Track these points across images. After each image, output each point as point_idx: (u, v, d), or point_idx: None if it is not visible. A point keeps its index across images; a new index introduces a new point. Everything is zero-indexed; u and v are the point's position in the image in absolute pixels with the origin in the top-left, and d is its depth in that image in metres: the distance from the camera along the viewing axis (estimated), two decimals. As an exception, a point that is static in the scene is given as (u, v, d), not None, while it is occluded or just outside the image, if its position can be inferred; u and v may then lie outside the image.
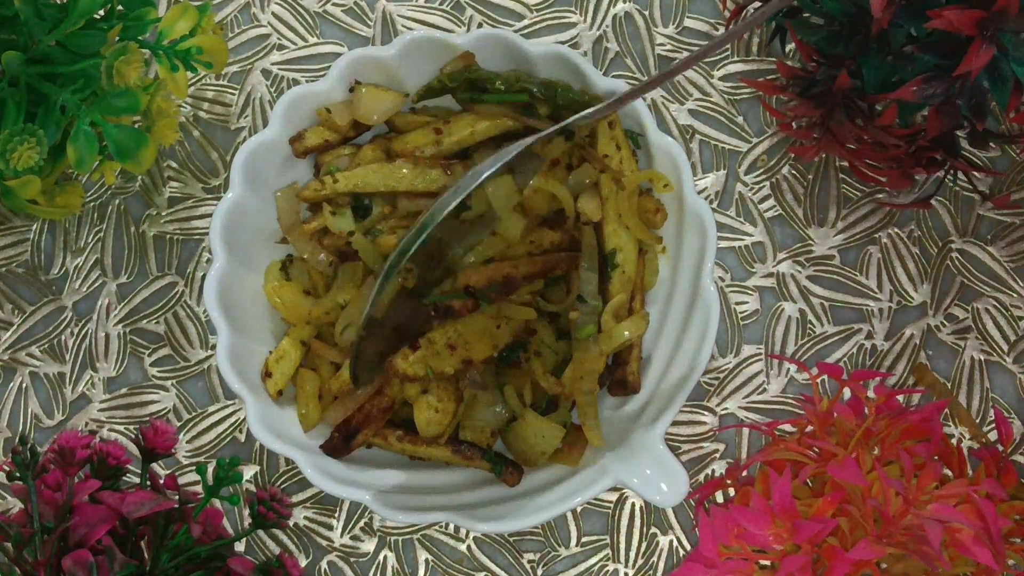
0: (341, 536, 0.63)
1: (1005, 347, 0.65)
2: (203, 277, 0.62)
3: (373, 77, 0.60)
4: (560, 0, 0.69)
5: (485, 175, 0.55)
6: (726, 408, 0.65)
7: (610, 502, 0.64)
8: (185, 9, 0.58)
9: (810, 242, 0.66)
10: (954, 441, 0.64)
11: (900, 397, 0.64)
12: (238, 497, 0.53)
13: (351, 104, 0.60)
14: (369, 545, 0.63)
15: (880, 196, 0.67)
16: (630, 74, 0.68)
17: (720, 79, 0.68)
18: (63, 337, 0.66)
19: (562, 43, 0.67)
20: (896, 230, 0.66)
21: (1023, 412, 0.65)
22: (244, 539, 0.64)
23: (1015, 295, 0.66)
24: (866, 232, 0.66)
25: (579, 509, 0.63)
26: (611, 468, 0.56)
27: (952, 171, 0.61)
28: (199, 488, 0.53)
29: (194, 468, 0.64)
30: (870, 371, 0.64)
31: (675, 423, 0.64)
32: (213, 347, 0.65)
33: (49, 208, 0.60)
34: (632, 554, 0.63)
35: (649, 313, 0.60)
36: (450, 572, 0.63)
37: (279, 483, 0.64)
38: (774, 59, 0.68)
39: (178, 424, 0.65)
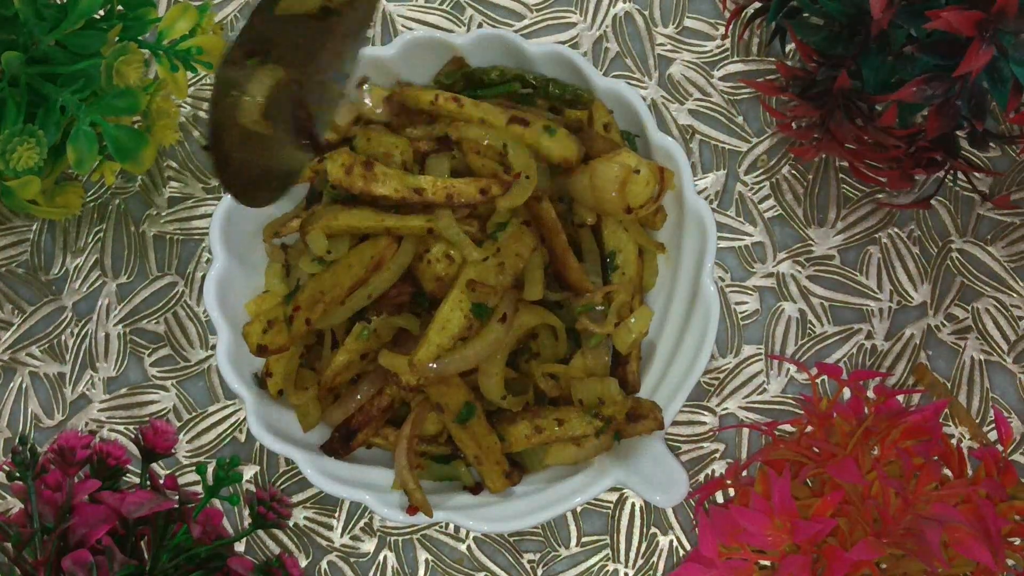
0: (341, 536, 0.63)
1: (1005, 347, 0.65)
2: (203, 277, 0.62)
3: (373, 77, 0.60)
4: (560, 0, 0.69)
5: None
6: (726, 408, 0.65)
7: (610, 502, 0.64)
8: (185, 9, 0.58)
9: (810, 242, 0.66)
10: (954, 441, 0.64)
11: (900, 397, 0.64)
12: (238, 497, 0.53)
13: (355, 102, 0.60)
14: (369, 545, 0.63)
15: (880, 196, 0.67)
16: (630, 74, 0.68)
17: (720, 79, 0.68)
18: (63, 337, 0.66)
19: (562, 43, 0.67)
20: (896, 230, 0.66)
21: (1023, 412, 0.65)
22: (244, 539, 0.64)
23: (1015, 295, 0.66)
24: (866, 232, 0.66)
25: (579, 509, 0.63)
26: (611, 468, 0.57)
27: (952, 171, 0.61)
28: (199, 488, 0.52)
29: (194, 468, 0.64)
30: (870, 371, 0.64)
31: (675, 423, 0.64)
32: (213, 347, 0.65)
33: (49, 208, 0.60)
34: (632, 554, 0.63)
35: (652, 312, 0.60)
36: (450, 572, 0.63)
37: (279, 483, 0.64)
38: (774, 59, 0.68)
39: (178, 424, 0.65)
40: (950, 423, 0.64)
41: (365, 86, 0.60)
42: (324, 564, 0.63)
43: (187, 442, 0.64)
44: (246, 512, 0.63)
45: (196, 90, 0.68)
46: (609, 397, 0.57)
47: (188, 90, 0.61)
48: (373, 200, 0.56)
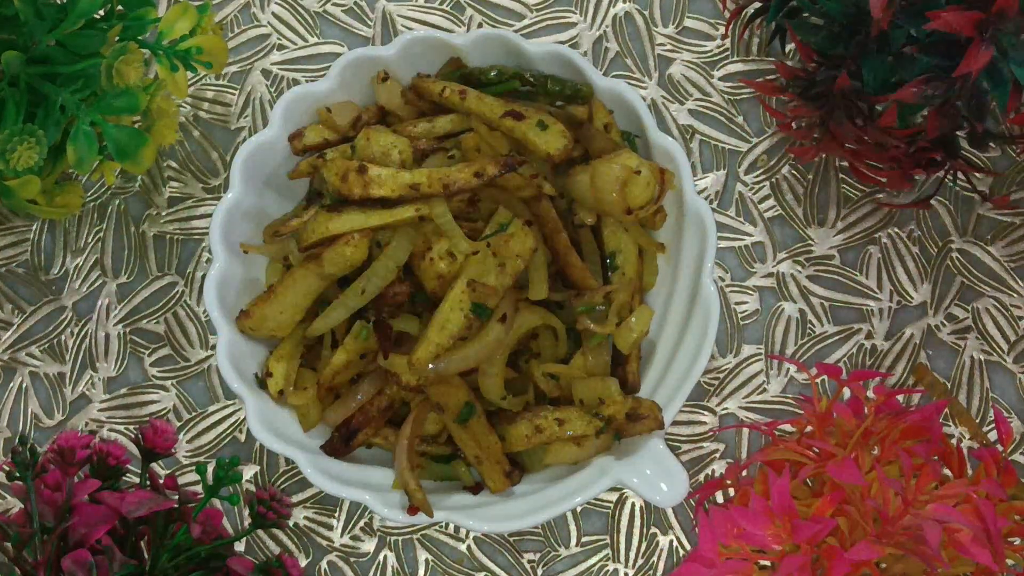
0: (341, 536, 0.63)
1: (1005, 347, 0.65)
2: (203, 277, 0.62)
3: (373, 77, 0.60)
4: (560, 0, 0.69)
5: None
6: (726, 408, 0.65)
7: (610, 502, 0.64)
8: (185, 9, 0.58)
9: (810, 242, 0.66)
10: (954, 441, 0.64)
11: (900, 397, 0.64)
12: (238, 497, 0.53)
13: (375, 94, 0.61)
14: (369, 545, 0.63)
15: (880, 196, 0.67)
16: (630, 74, 0.68)
17: (720, 79, 0.68)
18: (63, 337, 0.66)
19: (562, 43, 0.67)
20: (896, 230, 0.66)
21: (1023, 412, 0.65)
22: (244, 539, 0.64)
23: (1015, 295, 0.66)
24: (866, 232, 0.66)
25: (579, 509, 0.63)
26: (611, 468, 0.57)
27: (952, 171, 0.61)
28: (199, 488, 0.53)
29: (194, 468, 0.64)
30: (870, 371, 0.64)
31: (675, 423, 0.64)
32: (213, 347, 0.65)
33: (49, 208, 0.60)
34: (632, 554, 0.63)
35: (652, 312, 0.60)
36: (450, 572, 0.63)
37: (279, 483, 0.64)
38: (774, 59, 0.68)
39: (178, 424, 0.65)
40: (950, 423, 0.64)
41: (387, 80, 0.60)
42: (324, 564, 0.63)
43: (187, 442, 0.64)
44: (246, 512, 0.63)
45: (196, 90, 0.68)
46: (609, 397, 0.57)
47: (188, 90, 0.61)
48: (375, 202, 0.56)
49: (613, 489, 0.62)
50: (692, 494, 0.61)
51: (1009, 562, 0.49)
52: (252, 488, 0.64)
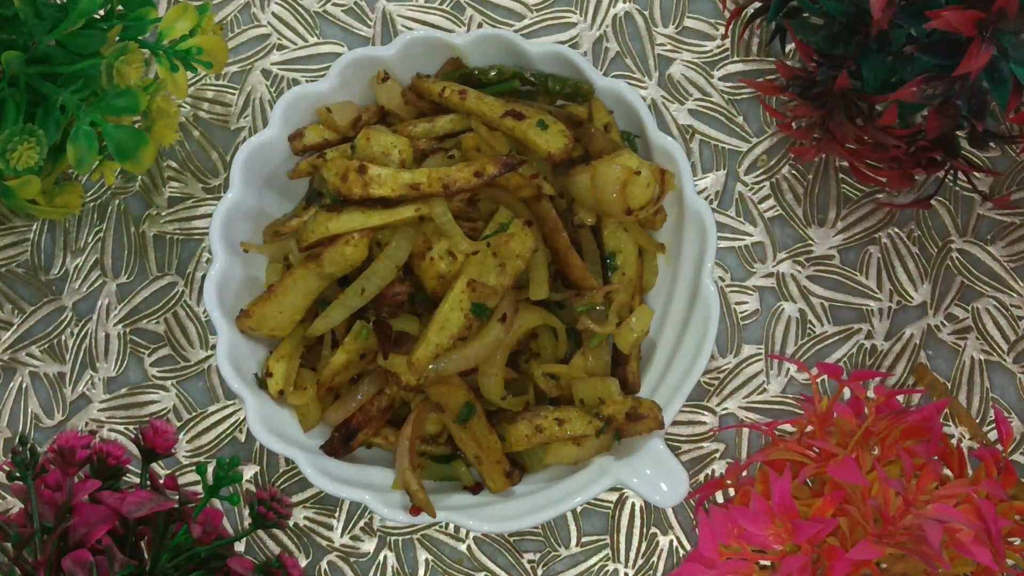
0: (341, 536, 0.63)
1: (1005, 347, 0.65)
2: (203, 277, 0.62)
3: (373, 77, 0.60)
4: (560, 0, 0.69)
5: None
6: (726, 408, 0.65)
7: (610, 502, 0.64)
8: (185, 9, 0.58)
9: (810, 242, 0.66)
10: (954, 441, 0.64)
11: (900, 397, 0.64)
12: (238, 497, 0.53)
13: (375, 94, 0.61)
14: (369, 545, 0.63)
15: (880, 196, 0.67)
16: (630, 74, 0.68)
17: (720, 79, 0.68)
18: (63, 337, 0.66)
19: (562, 43, 0.67)
20: (896, 230, 0.66)
21: (1023, 412, 0.65)
22: (244, 539, 0.64)
23: (1015, 295, 0.66)
24: (866, 232, 0.66)
25: (579, 509, 0.63)
26: (611, 468, 0.57)
27: (952, 171, 0.61)
28: (199, 488, 0.53)
29: (194, 468, 0.64)
30: (870, 371, 0.64)
31: (675, 423, 0.64)
32: (213, 347, 0.65)
33: (49, 208, 0.60)
34: (632, 554, 0.63)
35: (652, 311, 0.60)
36: (450, 572, 0.63)
37: (279, 483, 0.64)
38: (774, 59, 0.68)
39: (178, 424, 0.65)
40: (950, 423, 0.64)
41: (387, 80, 0.60)
42: (324, 564, 0.63)
43: (187, 442, 0.64)
44: (246, 512, 0.63)
45: (196, 90, 0.68)
46: (609, 397, 0.57)
47: (188, 90, 0.61)
48: (375, 201, 0.56)
49: (613, 489, 0.62)
50: (692, 494, 0.61)
51: (1009, 562, 0.49)
52: (252, 488, 0.64)
